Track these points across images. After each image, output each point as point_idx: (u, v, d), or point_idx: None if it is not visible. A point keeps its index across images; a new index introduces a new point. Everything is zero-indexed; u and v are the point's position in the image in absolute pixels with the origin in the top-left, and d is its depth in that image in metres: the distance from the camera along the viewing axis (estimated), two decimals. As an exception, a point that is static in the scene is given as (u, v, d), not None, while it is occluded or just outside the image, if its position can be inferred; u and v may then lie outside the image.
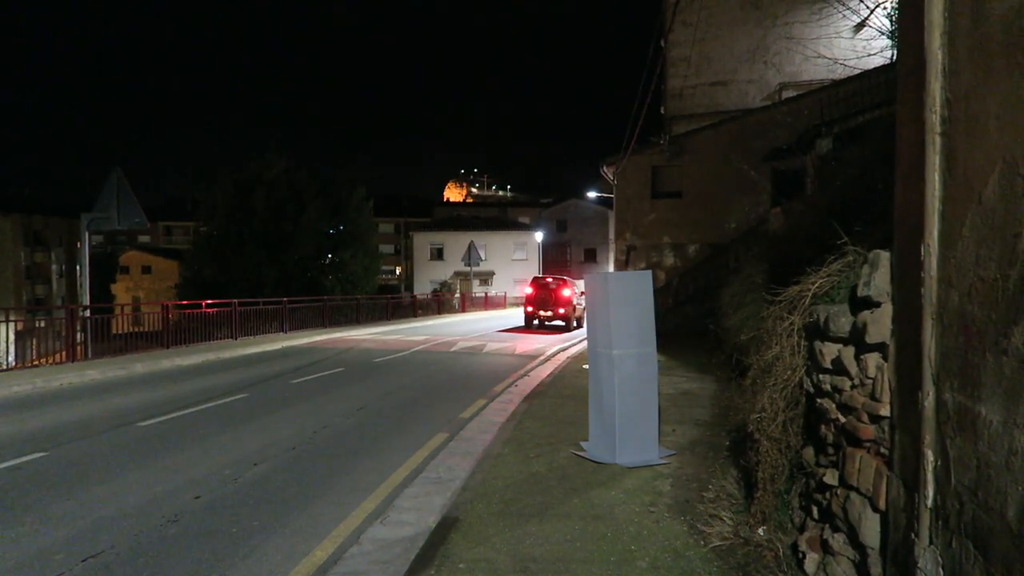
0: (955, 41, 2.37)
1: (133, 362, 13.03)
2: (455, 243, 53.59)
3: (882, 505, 2.90)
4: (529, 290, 23.29)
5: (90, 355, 13.40)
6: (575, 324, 22.66)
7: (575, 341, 17.92)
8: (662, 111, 24.41)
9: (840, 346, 3.36)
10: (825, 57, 17.14)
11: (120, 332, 15.46)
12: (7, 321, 13.96)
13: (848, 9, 19.02)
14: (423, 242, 58.33)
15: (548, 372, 12.02)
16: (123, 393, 10.10)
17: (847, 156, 8.06)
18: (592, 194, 50.13)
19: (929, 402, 2.49)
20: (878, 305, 2.99)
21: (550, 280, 23.68)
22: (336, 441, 7.04)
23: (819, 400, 3.64)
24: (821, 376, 3.59)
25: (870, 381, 3.07)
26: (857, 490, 3.10)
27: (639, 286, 6.06)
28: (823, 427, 3.59)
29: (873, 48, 13.17)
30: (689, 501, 4.90)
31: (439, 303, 35.64)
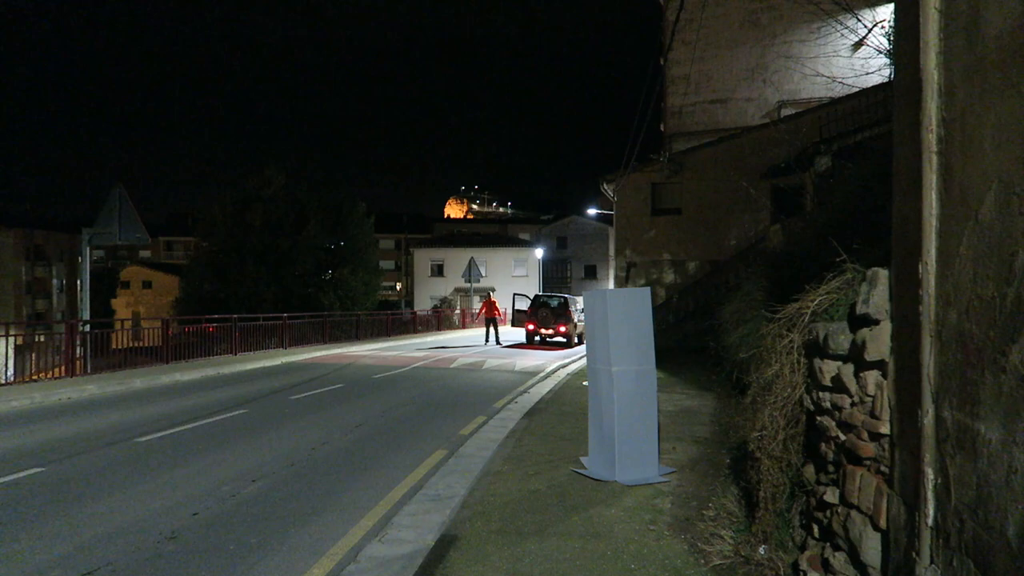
0: (951, 61, 2.39)
1: (132, 377, 13.01)
2: (455, 259, 53.63)
3: (883, 524, 2.88)
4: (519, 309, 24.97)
5: (89, 370, 13.39)
6: (576, 341, 22.66)
7: (575, 357, 17.89)
8: (662, 128, 24.59)
9: (839, 364, 3.35)
10: (823, 75, 17.31)
11: (120, 347, 15.46)
12: (6, 335, 13.93)
13: (846, 28, 19.22)
14: (423, 258, 58.37)
15: (548, 389, 11.98)
16: (122, 408, 10.07)
17: (846, 174, 8.11)
18: (592, 211, 50.31)
19: (928, 420, 2.49)
20: (877, 323, 2.99)
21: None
22: (335, 458, 7.01)
23: (819, 418, 3.63)
24: (821, 394, 3.59)
25: (870, 399, 3.07)
26: (858, 508, 3.09)
27: (638, 303, 6.06)
28: (823, 445, 3.58)
29: (871, 67, 13.26)
30: (689, 519, 4.87)
31: (439, 319, 35.59)
